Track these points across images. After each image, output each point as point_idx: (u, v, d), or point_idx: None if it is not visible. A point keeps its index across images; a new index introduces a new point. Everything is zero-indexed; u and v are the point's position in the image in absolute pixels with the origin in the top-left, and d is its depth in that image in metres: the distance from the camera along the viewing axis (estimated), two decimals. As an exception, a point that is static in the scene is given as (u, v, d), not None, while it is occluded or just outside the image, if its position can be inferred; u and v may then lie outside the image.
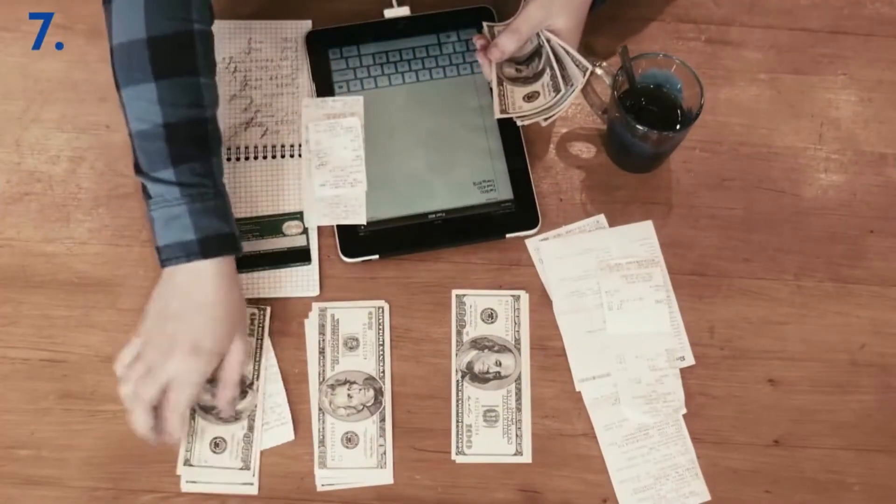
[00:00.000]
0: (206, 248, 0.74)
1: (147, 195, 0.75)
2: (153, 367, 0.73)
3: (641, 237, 0.87)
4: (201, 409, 0.79)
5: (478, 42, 0.87)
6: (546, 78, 0.85)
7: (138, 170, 0.75)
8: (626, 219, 0.87)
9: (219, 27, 0.92)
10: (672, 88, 0.85)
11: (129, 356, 0.75)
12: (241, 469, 0.78)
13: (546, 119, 0.86)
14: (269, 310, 0.83)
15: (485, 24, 0.88)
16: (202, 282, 0.74)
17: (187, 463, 0.78)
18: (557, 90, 0.84)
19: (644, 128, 0.80)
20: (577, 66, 0.83)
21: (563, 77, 0.84)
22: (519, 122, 0.86)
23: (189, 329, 0.74)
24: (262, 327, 0.82)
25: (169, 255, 0.74)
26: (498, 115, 0.85)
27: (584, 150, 0.91)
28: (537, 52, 0.87)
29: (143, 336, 0.75)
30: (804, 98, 0.93)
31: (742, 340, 0.84)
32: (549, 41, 0.84)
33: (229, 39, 0.93)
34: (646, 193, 0.89)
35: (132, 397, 0.74)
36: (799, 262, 0.87)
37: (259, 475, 0.78)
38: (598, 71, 0.84)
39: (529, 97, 0.86)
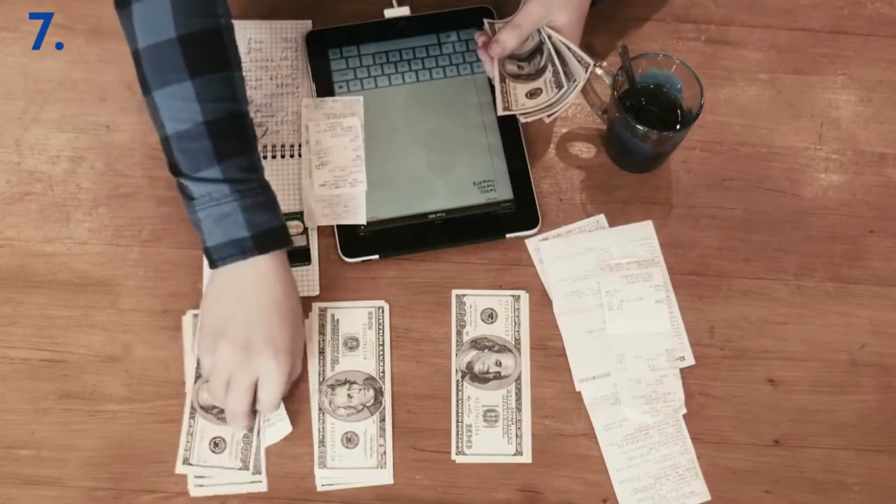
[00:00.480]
0: (260, 243, 0.73)
1: (188, 197, 0.73)
2: (235, 379, 0.73)
3: (641, 237, 0.87)
4: (201, 409, 0.79)
5: (479, 39, 0.87)
6: (548, 75, 0.85)
7: (177, 172, 0.73)
8: (626, 219, 0.87)
9: (219, 27, 0.92)
10: (672, 88, 0.85)
11: (208, 372, 0.75)
12: (241, 469, 0.78)
13: (549, 116, 0.86)
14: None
15: (486, 20, 0.88)
16: (264, 279, 0.73)
17: (186, 462, 0.78)
18: (560, 86, 0.84)
19: (644, 128, 0.80)
20: (580, 61, 0.83)
21: (565, 73, 0.84)
22: (522, 119, 0.87)
23: (263, 332, 0.72)
24: None
25: (222, 255, 0.72)
26: (500, 113, 0.85)
27: (584, 150, 0.91)
28: (539, 49, 0.87)
29: (211, 350, 0.73)
30: (804, 98, 0.93)
31: (742, 340, 0.84)
32: (550, 37, 0.84)
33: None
34: (646, 193, 0.89)
35: (229, 415, 0.75)
36: (799, 262, 0.87)
37: (263, 469, 0.78)
38: (598, 71, 0.84)
39: (532, 94, 0.86)
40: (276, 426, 0.79)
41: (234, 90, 0.74)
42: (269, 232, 0.74)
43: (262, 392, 0.74)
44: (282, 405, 0.79)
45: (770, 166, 0.90)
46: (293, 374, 0.76)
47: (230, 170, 0.72)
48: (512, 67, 0.87)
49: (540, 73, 0.87)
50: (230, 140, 0.73)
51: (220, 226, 0.72)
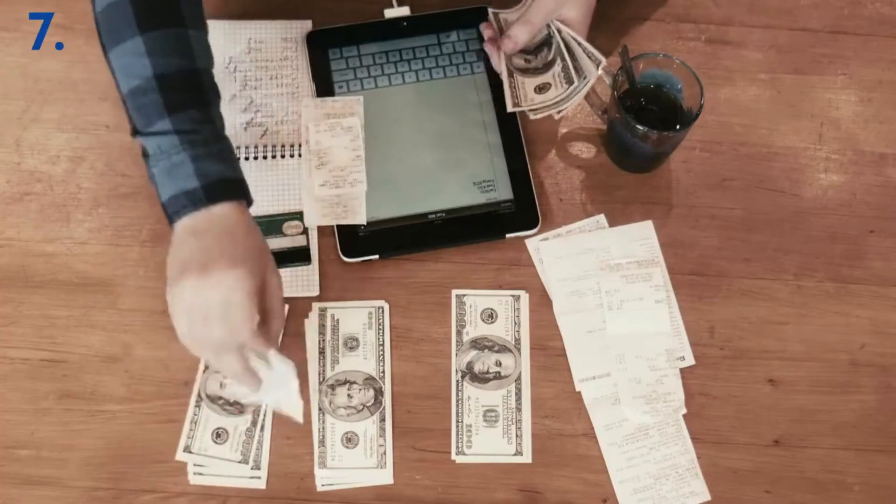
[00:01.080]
0: (211, 193, 0.70)
1: (145, 155, 0.71)
2: (200, 308, 0.68)
3: (641, 237, 0.87)
4: (208, 398, 0.79)
5: (485, 32, 0.87)
6: (557, 69, 0.85)
7: (135, 131, 0.72)
8: (626, 219, 0.87)
9: (219, 27, 0.92)
10: (672, 88, 0.85)
11: (183, 334, 0.70)
12: (240, 462, 0.78)
13: (558, 112, 0.86)
14: (286, 308, 0.82)
15: (490, 11, 0.88)
16: (223, 221, 0.70)
17: (187, 449, 0.78)
18: (570, 82, 0.84)
19: (644, 128, 0.80)
20: (590, 57, 0.83)
21: (575, 69, 0.84)
22: (532, 116, 0.86)
23: (223, 253, 0.68)
24: None
25: (175, 208, 0.70)
26: (510, 109, 0.85)
27: (584, 150, 0.91)
28: (546, 43, 0.87)
29: (179, 294, 0.68)
30: (804, 98, 0.93)
31: (742, 340, 0.84)
32: (559, 31, 0.84)
33: (229, 39, 0.93)
34: (646, 193, 0.89)
35: (224, 364, 0.70)
36: (799, 262, 0.87)
37: (263, 467, 0.78)
38: (599, 71, 0.84)
39: (541, 88, 0.86)
40: (287, 398, 0.75)
41: (187, 47, 0.73)
42: (222, 182, 0.70)
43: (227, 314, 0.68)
44: (292, 375, 0.74)
45: (770, 166, 0.90)
46: (275, 316, 0.72)
47: (180, 121, 0.70)
48: (519, 61, 0.87)
49: (548, 66, 0.86)
50: (181, 93, 0.72)
51: (171, 178, 0.70)
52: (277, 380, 0.74)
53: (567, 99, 0.85)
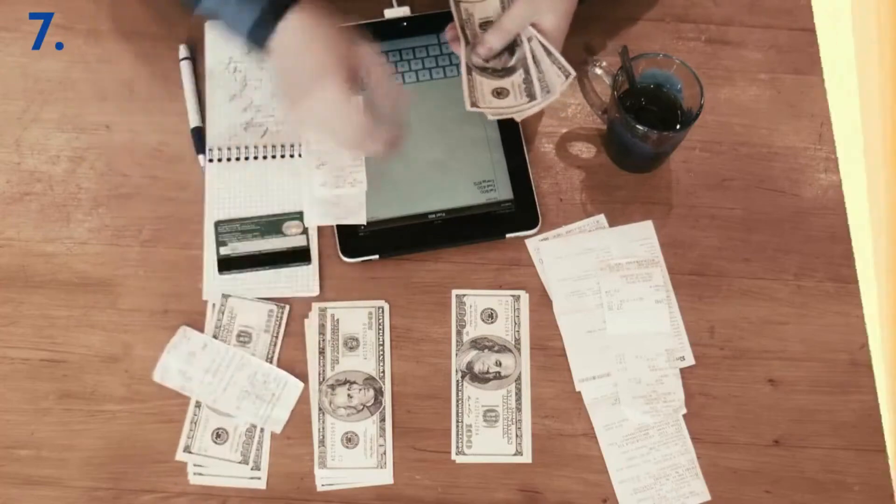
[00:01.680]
0: (277, 9, 0.74)
1: (203, 11, 0.76)
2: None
3: (641, 237, 0.87)
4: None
5: (448, 33, 0.85)
6: (517, 78, 0.83)
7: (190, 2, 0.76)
8: (626, 219, 0.87)
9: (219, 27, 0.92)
10: (672, 88, 0.85)
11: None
12: (240, 463, 0.78)
13: (520, 116, 0.83)
14: (287, 308, 0.83)
15: (452, 1, 0.86)
16: (304, 42, 0.76)
17: (187, 450, 0.78)
18: (531, 96, 0.81)
19: (644, 128, 0.80)
20: (560, 69, 0.81)
21: (539, 81, 0.81)
22: (490, 117, 0.84)
23: (311, 78, 0.76)
24: (280, 325, 0.82)
25: (256, 38, 0.75)
26: (468, 108, 0.82)
27: (584, 150, 0.91)
28: (508, 48, 0.85)
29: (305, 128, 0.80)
30: (804, 98, 0.93)
31: (742, 340, 0.84)
32: (530, 40, 0.82)
33: (229, 39, 0.92)
34: (646, 193, 0.89)
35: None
36: (799, 262, 0.87)
37: (263, 467, 0.78)
38: (598, 71, 0.84)
39: (498, 93, 0.83)
40: (286, 392, 0.80)
41: None
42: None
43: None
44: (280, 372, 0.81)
45: (770, 166, 0.90)
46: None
47: None
48: (477, 59, 0.84)
49: (507, 72, 0.84)
50: None
51: (242, 15, 0.75)
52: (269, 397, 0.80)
53: (529, 109, 0.82)
